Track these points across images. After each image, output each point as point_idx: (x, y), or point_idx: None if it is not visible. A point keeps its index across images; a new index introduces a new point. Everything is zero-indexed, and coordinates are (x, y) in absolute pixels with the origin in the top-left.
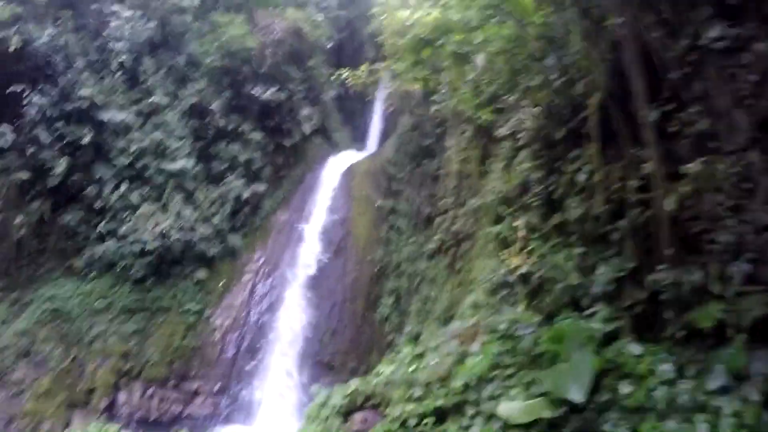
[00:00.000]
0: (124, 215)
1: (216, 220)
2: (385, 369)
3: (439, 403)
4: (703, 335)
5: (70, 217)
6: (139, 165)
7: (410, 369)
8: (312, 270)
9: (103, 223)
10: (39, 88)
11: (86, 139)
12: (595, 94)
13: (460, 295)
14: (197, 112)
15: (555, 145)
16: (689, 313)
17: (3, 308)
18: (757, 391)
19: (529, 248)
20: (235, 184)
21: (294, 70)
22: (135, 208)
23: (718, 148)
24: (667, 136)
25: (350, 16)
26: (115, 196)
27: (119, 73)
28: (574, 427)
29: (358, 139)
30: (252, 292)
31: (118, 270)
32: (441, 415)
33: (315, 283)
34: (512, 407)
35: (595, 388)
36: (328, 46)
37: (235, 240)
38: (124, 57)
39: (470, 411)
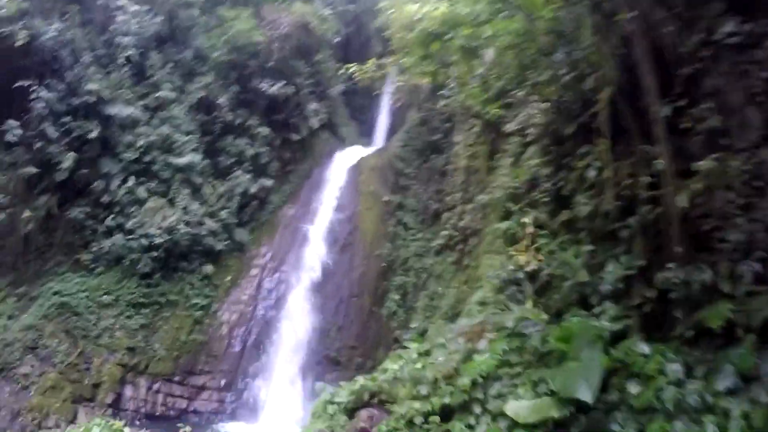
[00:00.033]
0: (131, 210)
1: (223, 214)
2: (392, 365)
3: (446, 400)
4: (712, 335)
5: (78, 212)
6: (146, 159)
7: (417, 366)
8: (318, 265)
9: (110, 217)
10: (46, 83)
11: (93, 134)
12: (606, 89)
13: (467, 292)
14: (204, 106)
15: (564, 141)
16: (699, 313)
17: (10, 303)
18: (766, 393)
19: (537, 245)
20: (242, 178)
21: (301, 65)
22: (142, 202)
23: (730, 146)
24: (678, 132)
25: (357, 11)
26: (122, 191)
27: (126, 68)
28: (582, 427)
29: (366, 134)
30: (259, 286)
31: (125, 264)
32: (447, 413)
33: (322, 278)
34: (520, 406)
35: (603, 388)
36: (336, 41)
37: (242, 235)
38: (131, 51)
39: (477, 409)
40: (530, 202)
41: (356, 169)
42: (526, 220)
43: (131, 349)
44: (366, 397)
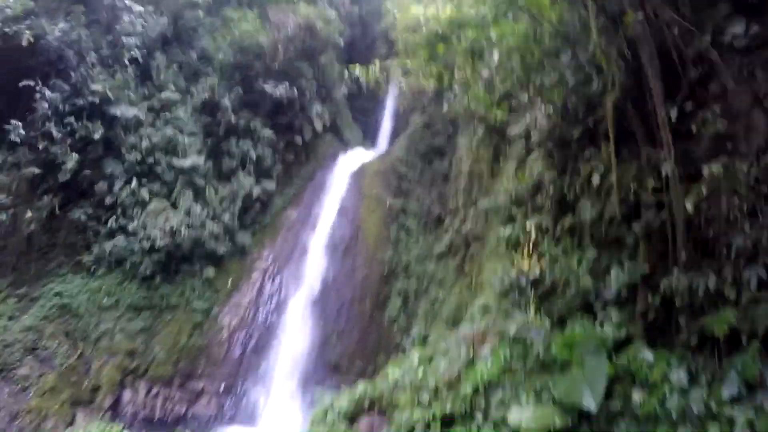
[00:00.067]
0: (134, 211)
1: (226, 217)
2: (393, 372)
3: (448, 408)
4: (716, 342)
5: (80, 213)
6: (149, 161)
7: (418, 372)
8: (320, 269)
9: (112, 219)
10: (50, 83)
11: (97, 135)
12: (611, 92)
13: (469, 298)
14: (209, 108)
15: (569, 145)
16: (703, 319)
17: (11, 303)
18: None
19: (541, 250)
20: (245, 181)
21: (306, 67)
22: (145, 204)
23: (736, 150)
24: (683, 136)
25: (362, 13)
26: (125, 192)
27: (131, 69)
28: None
29: (369, 137)
30: (260, 291)
31: (126, 267)
32: (449, 421)
33: (323, 282)
34: (522, 414)
35: (606, 396)
36: (341, 43)
37: (244, 238)
38: (135, 52)
39: (479, 417)
40: (534, 207)
41: (359, 173)
42: (530, 225)
43: (131, 353)
44: (366, 404)
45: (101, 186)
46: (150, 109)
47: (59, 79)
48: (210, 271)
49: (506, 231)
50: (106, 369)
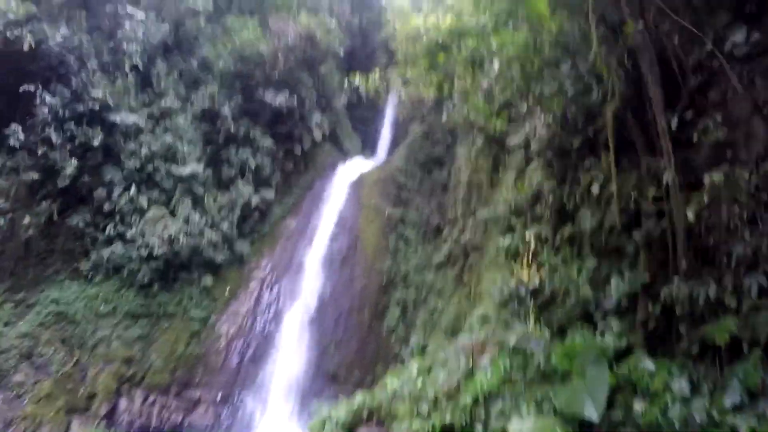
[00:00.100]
0: (133, 219)
1: (224, 226)
2: (391, 382)
3: (447, 419)
4: (717, 350)
5: (78, 219)
6: (149, 168)
7: (417, 383)
8: (318, 278)
9: (110, 226)
10: (51, 88)
11: (97, 141)
12: (611, 101)
13: (468, 308)
14: (208, 116)
15: (568, 154)
16: (704, 328)
17: (7, 309)
18: None
19: (540, 260)
20: (244, 190)
21: (306, 76)
22: (143, 211)
23: (736, 158)
24: (683, 144)
25: (363, 23)
26: (124, 199)
27: (132, 75)
28: None
29: (368, 147)
30: (258, 300)
31: (124, 274)
32: None
33: (321, 291)
34: (523, 425)
35: (608, 406)
36: (341, 53)
37: (242, 246)
38: (137, 59)
39: (479, 428)
40: (533, 217)
41: (358, 182)
42: (529, 235)
43: (128, 360)
44: (365, 414)
45: (100, 192)
46: (150, 117)
47: (60, 85)
48: (208, 280)
49: (505, 241)
50: (102, 376)
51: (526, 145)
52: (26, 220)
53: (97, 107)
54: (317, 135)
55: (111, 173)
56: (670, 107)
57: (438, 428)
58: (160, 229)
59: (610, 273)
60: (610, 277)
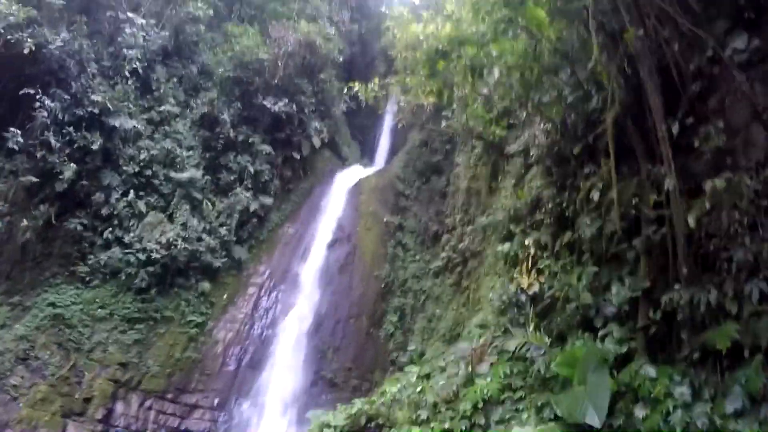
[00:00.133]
0: (130, 223)
1: (222, 231)
2: (390, 388)
3: (446, 426)
4: (719, 356)
5: (76, 223)
6: (147, 173)
7: (416, 389)
8: (316, 285)
9: (108, 230)
10: (51, 92)
11: (96, 145)
12: (612, 108)
13: (467, 314)
14: (208, 122)
15: (568, 162)
16: (705, 334)
17: (3, 312)
18: None
19: (540, 267)
20: (242, 196)
21: (305, 83)
22: (142, 216)
23: (736, 164)
24: (683, 151)
25: (362, 31)
26: (122, 204)
27: (131, 80)
28: None
29: (367, 154)
30: (256, 305)
31: (121, 278)
32: None
33: (319, 298)
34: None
35: (609, 412)
36: (340, 60)
37: (241, 252)
38: (136, 64)
39: None
40: (532, 224)
41: (357, 189)
42: (528, 241)
43: (124, 365)
44: (363, 421)
45: (98, 197)
46: (149, 122)
47: (59, 89)
48: (205, 285)
49: (505, 247)
50: (98, 380)
51: (526, 152)
52: (24, 223)
53: (96, 111)
54: (316, 142)
55: (109, 177)
56: (671, 114)
57: None
58: (158, 234)
59: (610, 279)
60: (610, 283)
